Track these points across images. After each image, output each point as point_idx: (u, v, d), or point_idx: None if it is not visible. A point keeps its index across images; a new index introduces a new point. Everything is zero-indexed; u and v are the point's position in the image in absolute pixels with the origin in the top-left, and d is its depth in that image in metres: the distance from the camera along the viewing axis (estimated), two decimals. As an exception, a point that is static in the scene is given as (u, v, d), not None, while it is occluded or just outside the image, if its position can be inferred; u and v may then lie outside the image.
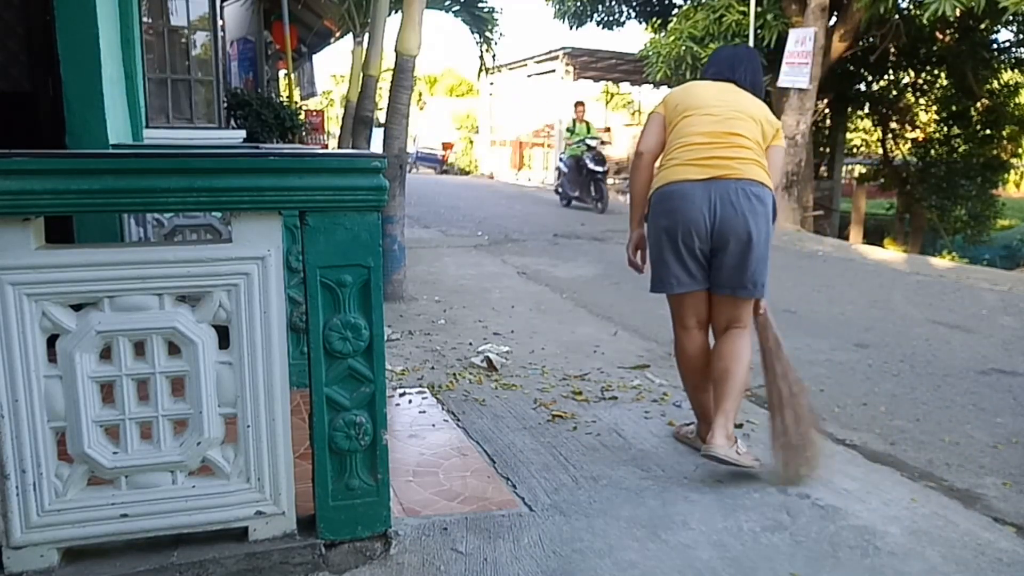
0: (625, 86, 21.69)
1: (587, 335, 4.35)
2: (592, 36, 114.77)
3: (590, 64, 18.01)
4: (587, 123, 12.39)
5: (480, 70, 11.48)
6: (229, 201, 1.68)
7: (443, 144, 25.21)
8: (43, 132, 3.74)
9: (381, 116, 5.41)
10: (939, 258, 10.80)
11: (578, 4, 13.68)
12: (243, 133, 6.16)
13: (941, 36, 12.49)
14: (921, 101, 15.12)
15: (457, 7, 10.21)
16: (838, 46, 10.44)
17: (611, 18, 14.08)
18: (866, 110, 15.48)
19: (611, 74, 19.42)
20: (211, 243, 2.20)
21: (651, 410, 3.10)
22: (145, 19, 5.08)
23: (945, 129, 14.62)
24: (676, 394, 3.25)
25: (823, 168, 15.08)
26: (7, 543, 1.62)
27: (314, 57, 14.50)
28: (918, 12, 8.82)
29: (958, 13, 8.15)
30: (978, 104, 13.74)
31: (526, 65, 19.41)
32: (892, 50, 12.39)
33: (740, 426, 3.07)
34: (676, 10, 12.86)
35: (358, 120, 6.15)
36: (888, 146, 15.88)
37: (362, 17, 9.35)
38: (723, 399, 2.46)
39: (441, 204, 12.27)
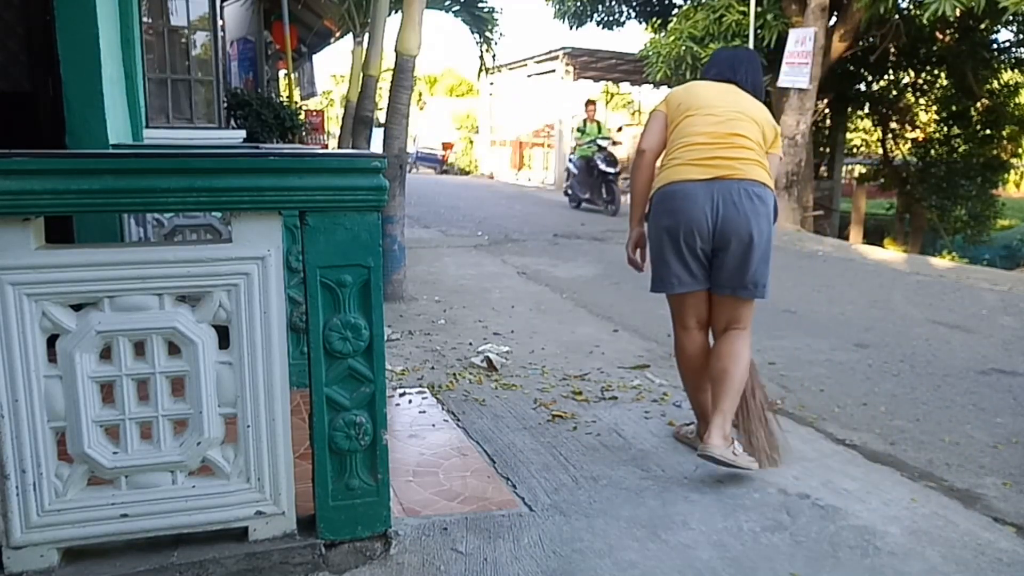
0: (625, 86, 21.69)
1: (587, 335, 4.35)
2: (592, 36, 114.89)
3: (590, 64, 18.00)
4: (598, 123, 12.11)
5: (480, 70, 11.48)
6: (229, 201, 1.68)
7: (443, 144, 25.21)
8: (43, 132, 3.74)
9: (381, 116, 5.41)
10: (939, 258, 10.80)
11: (578, 4, 13.68)
12: (243, 133, 6.16)
13: (941, 36, 12.49)
14: (921, 101, 15.11)
15: (457, 7, 10.21)
16: (838, 46, 10.44)
17: (611, 18, 14.07)
18: (866, 110, 15.48)
19: (611, 74, 19.41)
20: (211, 243, 2.20)
21: (651, 410, 3.10)
22: (145, 19, 5.08)
23: (945, 129, 14.62)
24: (676, 394, 3.25)
25: (823, 168, 15.08)
26: (7, 543, 1.62)
27: (314, 57, 14.50)
28: (918, 12, 8.82)
29: (958, 13, 8.14)
30: (978, 104, 13.73)
31: (526, 65, 19.41)
32: (892, 50, 12.39)
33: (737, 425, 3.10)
34: (676, 10, 12.85)
35: (358, 120, 6.15)
36: (888, 146, 15.87)
37: (362, 17, 9.35)
38: (721, 399, 2.46)
39: (441, 204, 12.28)
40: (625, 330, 4.50)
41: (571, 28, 14.14)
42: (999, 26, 10.99)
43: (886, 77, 14.26)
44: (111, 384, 1.65)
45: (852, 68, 13.12)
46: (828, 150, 15.23)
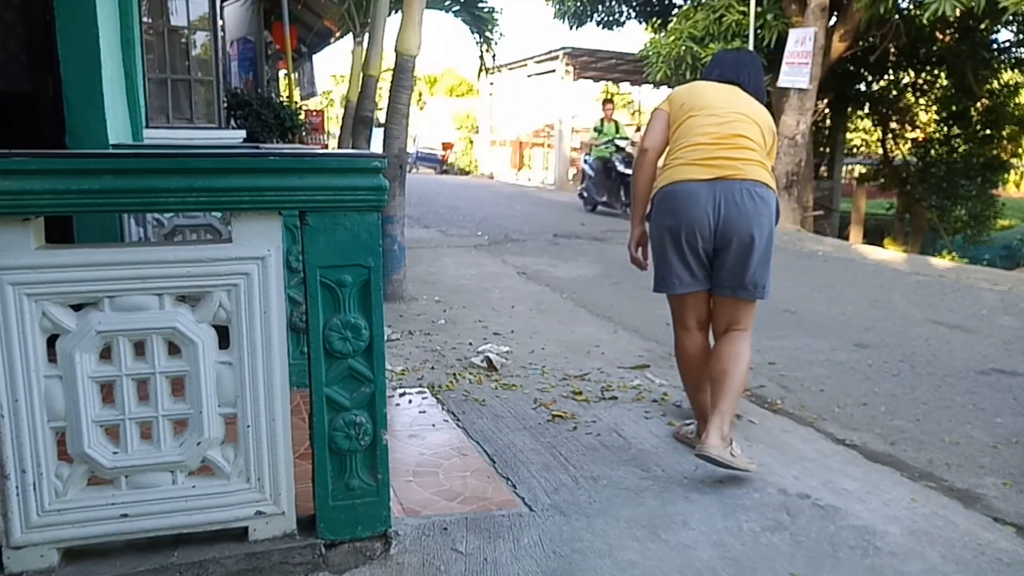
0: (625, 86, 21.69)
1: (587, 335, 4.35)
2: (592, 36, 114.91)
3: (590, 64, 18.01)
4: (615, 122, 11.68)
5: (480, 70, 11.48)
6: (229, 201, 1.68)
7: (443, 144, 25.22)
8: (43, 132, 3.74)
9: (381, 116, 5.41)
10: (939, 258, 10.80)
11: (578, 4, 13.68)
12: (243, 133, 6.16)
13: (941, 36, 12.49)
14: (921, 101, 15.11)
15: (457, 7, 10.21)
16: (838, 46, 10.44)
17: (611, 18, 14.07)
18: (866, 110, 15.48)
19: (611, 74, 19.41)
20: (211, 243, 2.20)
21: (651, 410, 3.10)
22: (145, 19, 5.08)
23: (945, 129, 14.62)
24: (676, 394, 3.25)
25: (823, 168, 15.08)
26: (7, 543, 1.62)
27: (314, 57, 14.51)
28: (918, 12, 8.82)
29: (958, 13, 8.14)
30: (978, 104, 13.73)
31: (526, 65, 19.41)
32: (892, 50, 12.39)
33: (739, 416, 3.10)
34: (676, 10, 12.85)
35: (358, 120, 6.15)
36: (888, 146, 15.87)
37: (362, 17, 9.36)
38: (720, 400, 2.46)
39: (441, 204, 12.27)
40: (625, 330, 4.50)
41: (571, 28, 14.15)
42: (999, 26, 10.99)
43: (886, 77, 14.25)
44: (111, 384, 1.65)
45: (852, 68, 13.12)
46: (828, 150, 15.23)
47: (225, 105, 6.26)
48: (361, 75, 6.73)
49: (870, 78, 14.18)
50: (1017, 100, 14.08)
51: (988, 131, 13.95)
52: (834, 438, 2.89)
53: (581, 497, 2.28)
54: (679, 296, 2.61)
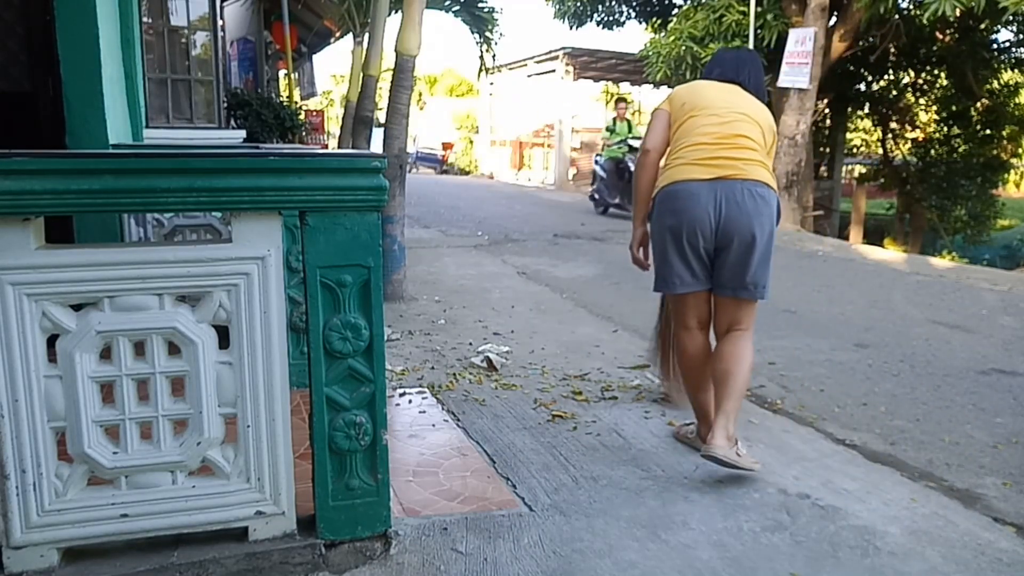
0: (625, 86, 21.67)
1: (587, 335, 4.35)
2: (592, 36, 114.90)
3: (590, 64, 18.00)
4: (628, 121, 11.39)
5: (480, 70, 11.47)
6: (229, 201, 1.68)
7: (443, 144, 25.22)
8: (43, 132, 3.74)
9: (381, 116, 5.41)
10: (939, 258, 10.80)
11: (578, 4, 13.68)
12: (243, 133, 6.16)
13: (941, 36, 12.49)
14: (921, 101, 15.11)
15: (457, 7, 10.21)
16: (838, 46, 10.44)
17: (611, 18, 14.07)
18: (866, 110, 15.48)
19: (611, 74, 19.41)
20: (211, 243, 2.20)
21: (651, 410, 3.10)
22: (145, 19, 5.08)
23: (945, 129, 14.61)
24: (676, 394, 3.25)
25: (823, 168, 15.08)
26: (7, 543, 1.62)
27: (314, 57, 14.51)
28: (918, 12, 8.82)
29: (958, 13, 8.14)
30: (978, 104, 13.73)
31: (526, 65, 19.41)
32: (892, 50, 12.39)
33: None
34: (676, 10, 12.85)
35: (358, 120, 6.15)
36: (888, 146, 15.87)
37: (362, 17, 9.35)
38: (724, 400, 2.46)
39: (441, 204, 12.27)
40: (625, 330, 4.50)
41: (571, 28, 14.15)
42: (999, 26, 10.99)
43: (886, 77, 14.25)
44: (111, 384, 1.65)
45: (852, 68, 13.12)
46: (828, 150, 15.23)
47: (225, 105, 6.26)
48: (361, 75, 6.73)
49: (870, 78, 14.18)
50: (1017, 100, 14.08)
51: (988, 131, 13.95)
52: (834, 438, 2.89)
53: (581, 497, 2.28)
54: (680, 296, 2.61)
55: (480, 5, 10.16)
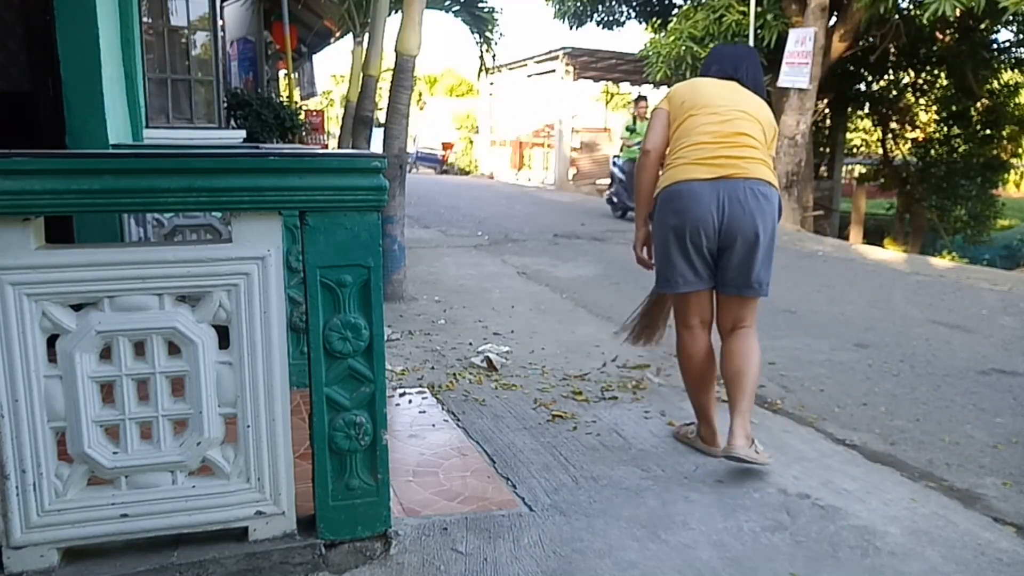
0: (625, 86, 21.67)
1: (587, 335, 4.35)
2: (592, 36, 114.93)
3: (590, 64, 18.00)
4: (648, 120, 11.26)
5: (480, 70, 11.47)
6: (229, 201, 1.68)
7: (443, 144, 25.22)
8: (43, 132, 3.74)
9: (381, 116, 5.41)
10: (939, 258, 10.80)
11: (578, 4, 13.68)
12: (243, 133, 6.16)
13: (941, 36, 12.49)
14: (921, 101, 15.11)
15: (457, 7, 10.21)
16: (838, 46, 10.44)
17: (611, 18, 14.07)
18: (866, 110, 15.48)
19: (611, 74, 19.41)
20: (211, 243, 2.20)
21: (651, 410, 3.10)
22: (145, 19, 5.08)
23: (945, 129, 14.62)
24: (676, 394, 3.25)
25: (823, 168, 15.08)
26: (7, 543, 1.62)
27: (314, 57, 14.51)
28: (918, 12, 8.82)
29: (958, 13, 8.14)
30: (978, 104, 13.73)
31: (526, 65, 19.42)
32: (892, 50, 12.39)
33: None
34: (676, 10, 12.85)
35: (358, 120, 6.15)
36: (888, 146, 15.88)
37: (362, 17, 9.36)
38: (739, 400, 2.48)
39: (441, 204, 12.27)
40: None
41: (571, 28, 14.14)
42: (999, 26, 10.99)
43: (886, 77, 14.25)
44: (111, 384, 1.65)
45: (852, 68, 13.12)
46: (828, 150, 15.22)
47: (225, 105, 6.26)
48: (361, 75, 6.73)
49: (870, 78, 14.18)
50: (1017, 100, 14.09)
51: (988, 131, 13.95)
52: (834, 438, 2.89)
53: (581, 497, 2.28)
54: (683, 295, 2.61)
55: (480, 5, 10.16)
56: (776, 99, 10.20)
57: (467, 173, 23.91)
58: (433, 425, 2.86)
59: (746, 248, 2.46)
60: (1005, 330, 4.83)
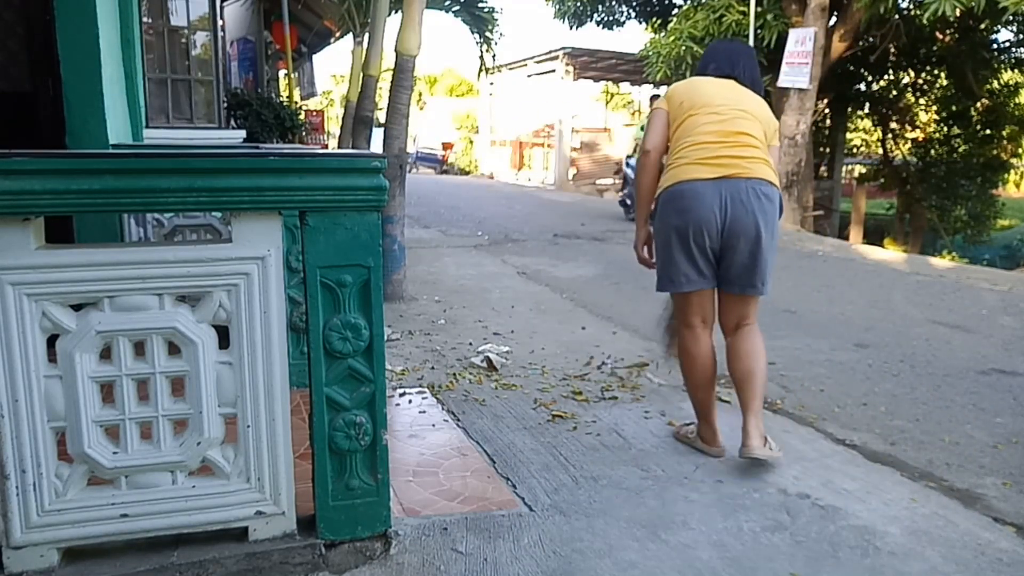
0: (625, 86, 21.68)
1: (587, 335, 4.35)
2: (592, 36, 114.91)
3: (590, 64, 18.01)
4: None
5: (480, 70, 11.48)
6: (229, 201, 1.68)
7: (443, 144, 25.23)
8: (43, 132, 3.74)
9: (381, 116, 5.41)
10: (939, 258, 10.80)
11: (578, 4, 13.68)
12: (243, 133, 6.16)
13: (941, 36, 12.49)
14: (921, 101, 15.11)
15: (457, 7, 10.22)
16: (838, 46, 10.44)
17: (611, 18, 14.07)
18: (866, 110, 15.48)
19: (611, 74, 19.42)
20: (211, 243, 2.20)
21: (651, 410, 3.10)
22: (145, 19, 5.08)
23: (945, 129, 14.62)
24: (676, 394, 3.25)
25: (823, 168, 15.07)
26: (7, 543, 1.62)
27: (314, 57, 14.52)
28: (918, 12, 8.82)
29: (958, 13, 8.14)
30: (978, 104, 13.73)
31: (526, 65, 19.42)
32: (892, 50, 12.39)
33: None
34: (676, 10, 12.85)
35: (358, 120, 6.15)
36: (888, 146, 15.88)
37: (362, 17, 9.36)
38: (752, 399, 2.51)
39: (441, 204, 12.27)
40: (625, 330, 4.50)
41: (571, 28, 14.14)
42: (999, 26, 10.99)
43: (886, 77, 14.25)
44: (111, 384, 1.65)
45: (852, 68, 13.12)
46: (828, 150, 15.22)
47: (225, 105, 6.26)
48: (361, 75, 6.73)
49: (870, 78, 14.18)
50: (1017, 100, 14.09)
51: (988, 131, 13.96)
52: (834, 438, 2.89)
53: (581, 497, 2.28)
54: (685, 295, 2.61)
55: (480, 5, 10.17)
56: (776, 99, 10.20)
57: (467, 173, 23.91)
58: (433, 425, 2.86)
59: (749, 248, 2.47)
60: (1005, 330, 4.83)
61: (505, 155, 21.90)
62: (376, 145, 5.45)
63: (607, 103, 23.11)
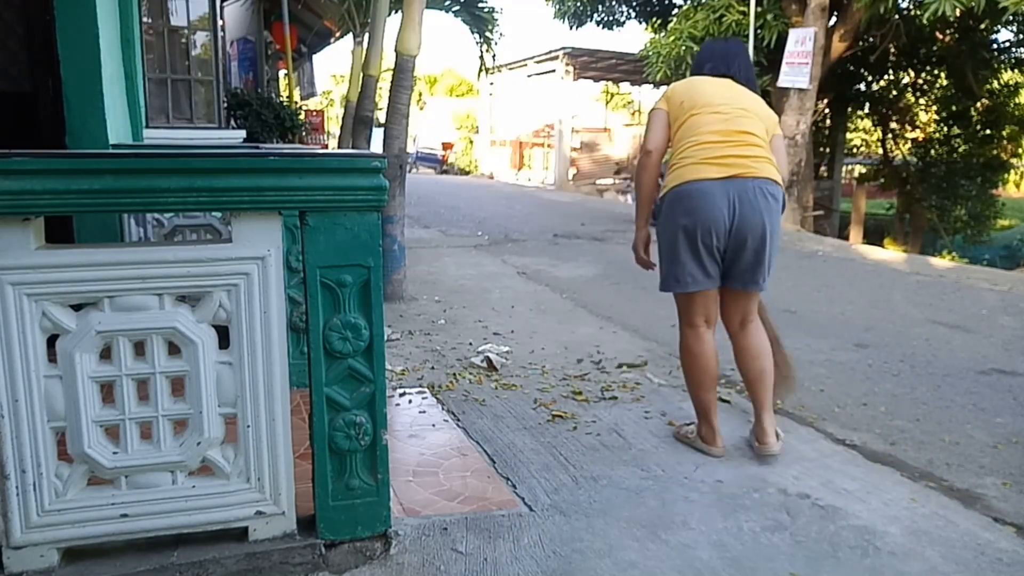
0: (625, 86, 21.70)
1: (587, 335, 4.35)
2: (592, 36, 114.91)
3: (590, 64, 18.02)
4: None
5: (480, 70, 11.48)
6: (229, 201, 1.68)
7: (443, 144, 25.24)
8: (43, 132, 3.74)
9: (381, 116, 5.41)
10: (939, 258, 10.80)
11: (578, 4, 13.67)
12: (243, 133, 6.16)
13: (941, 36, 12.49)
14: (921, 101, 15.12)
15: (457, 7, 10.22)
16: (838, 46, 10.44)
17: (611, 18, 14.06)
18: (866, 110, 15.48)
19: (611, 74, 19.43)
20: (211, 243, 2.20)
21: (651, 410, 3.10)
22: (145, 19, 5.08)
23: (945, 129, 14.63)
24: (676, 394, 3.25)
25: (823, 168, 15.08)
26: (7, 543, 1.62)
27: (314, 57, 14.51)
28: (918, 12, 8.81)
29: (958, 13, 8.14)
30: (978, 104, 13.74)
31: (526, 65, 19.44)
32: (892, 50, 12.39)
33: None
34: (676, 10, 12.84)
35: (358, 120, 6.15)
36: (888, 146, 15.88)
37: (362, 17, 9.36)
38: (765, 397, 2.61)
39: (441, 204, 12.27)
40: (625, 330, 4.50)
41: (571, 28, 14.13)
42: (999, 26, 10.99)
43: (886, 77, 14.26)
44: (111, 384, 1.65)
45: (852, 68, 13.12)
46: (828, 150, 15.23)
47: (225, 105, 6.26)
48: (361, 75, 6.73)
49: (870, 78, 14.18)
50: (1017, 100, 14.10)
51: (988, 131, 13.97)
52: (834, 438, 2.89)
53: (581, 497, 2.28)
54: (690, 295, 2.61)
55: (480, 5, 10.17)
56: (776, 99, 10.20)
57: (467, 173, 23.92)
58: (433, 425, 2.86)
59: (756, 247, 2.49)
60: (1005, 330, 4.82)
61: (505, 155, 21.91)
62: (376, 145, 5.45)
63: (607, 103, 23.13)
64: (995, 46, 12.52)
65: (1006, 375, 3.82)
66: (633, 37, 79.06)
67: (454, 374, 3.51)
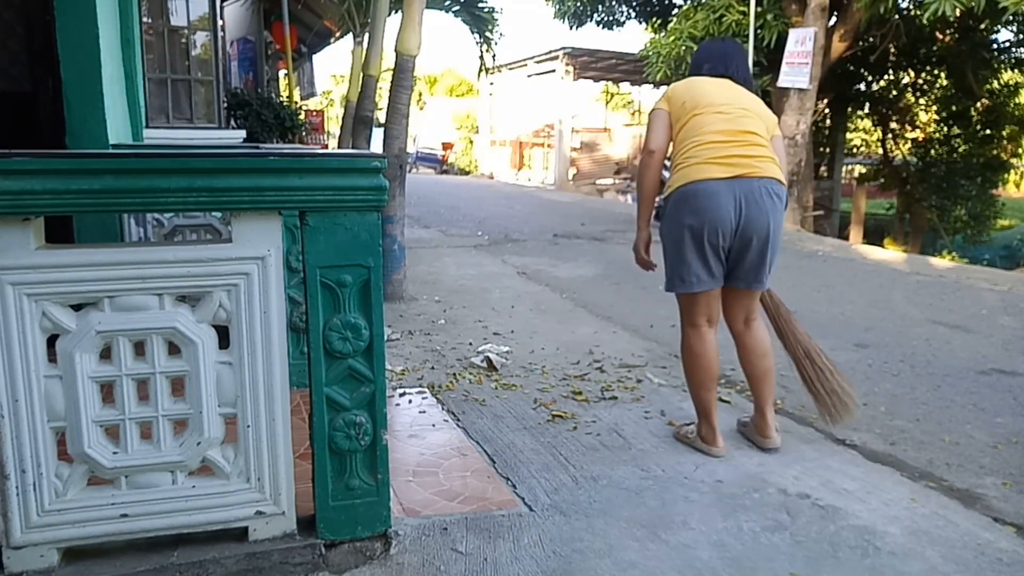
0: (625, 86, 21.70)
1: (587, 335, 4.34)
2: (592, 36, 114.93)
3: (590, 64, 18.02)
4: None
5: (480, 70, 11.48)
6: (229, 201, 1.68)
7: (443, 144, 25.25)
8: (43, 132, 3.74)
9: (381, 116, 5.41)
10: (939, 258, 10.80)
11: (578, 4, 13.67)
12: (243, 133, 6.16)
13: (941, 36, 12.49)
14: (921, 101, 15.12)
15: (457, 7, 10.22)
16: (838, 46, 10.44)
17: (611, 18, 14.06)
18: (866, 110, 15.48)
19: (611, 74, 19.44)
20: (211, 243, 2.20)
21: (651, 410, 3.10)
22: (145, 19, 5.08)
23: (945, 129, 14.63)
24: (676, 394, 3.25)
25: (823, 168, 15.08)
26: (7, 543, 1.62)
27: (314, 57, 14.52)
28: (918, 12, 8.81)
29: (958, 13, 8.14)
30: (978, 104, 13.74)
31: (526, 65, 19.44)
32: (892, 50, 12.39)
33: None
34: (676, 10, 12.84)
35: (358, 120, 6.15)
36: (888, 146, 15.88)
37: (362, 17, 9.36)
38: (769, 394, 2.67)
39: (441, 204, 12.27)
40: (625, 330, 4.50)
41: (571, 28, 14.14)
42: (999, 26, 10.99)
43: (886, 77, 14.26)
44: (111, 384, 1.65)
45: (852, 68, 13.12)
46: (828, 150, 15.23)
47: (225, 105, 6.26)
48: (361, 75, 6.73)
49: (870, 78, 14.18)
50: (1017, 100, 14.10)
51: (988, 131, 13.97)
52: (834, 438, 2.89)
53: (581, 497, 2.28)
54: (693, 295, 2.61)
55: (480, 5, 10.17)
56: (776, 99, 10.20)
57: (467, 173, 23.92)
58: (433, 425, 2.86)
59: (760, 246, 2.50)
60: (1005, 330, 4.82)
61: (505, 155, 21.91)
62: (376, 145, 5.45)
63: (607, 103, 23.12)
64: (995, 46, 12.52)
65: (1006, 375, 3.82)
66: (633, 37, 79.14)
67: (454, 374, 3.51)
